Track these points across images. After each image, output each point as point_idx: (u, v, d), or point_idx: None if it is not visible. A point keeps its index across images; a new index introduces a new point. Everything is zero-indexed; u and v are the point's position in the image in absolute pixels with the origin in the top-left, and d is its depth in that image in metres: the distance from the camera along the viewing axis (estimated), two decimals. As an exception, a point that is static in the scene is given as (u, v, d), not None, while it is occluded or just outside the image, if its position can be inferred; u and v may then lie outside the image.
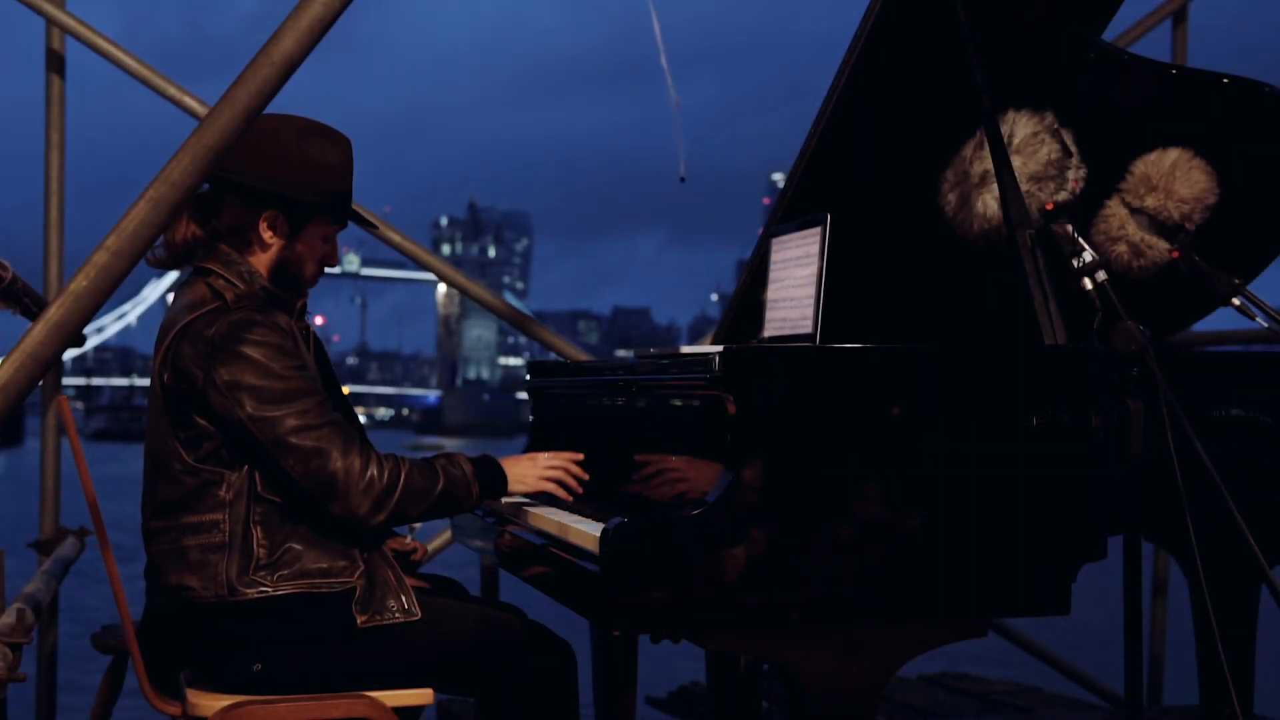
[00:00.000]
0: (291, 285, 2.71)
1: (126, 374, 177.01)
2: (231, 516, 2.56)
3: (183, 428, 2.58)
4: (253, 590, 2.54)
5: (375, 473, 2.54)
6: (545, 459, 2.83)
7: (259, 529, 2.56)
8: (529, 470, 2.81)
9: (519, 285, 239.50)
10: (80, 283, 2.91)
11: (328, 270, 2.81)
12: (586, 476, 2.85)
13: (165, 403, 2.60)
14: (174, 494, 2.60)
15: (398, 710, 2.62)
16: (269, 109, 3.10)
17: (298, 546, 2.57)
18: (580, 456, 2.87)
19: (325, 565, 2.58)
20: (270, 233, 2.68)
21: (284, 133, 2.67)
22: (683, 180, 4.72)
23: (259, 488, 2.57)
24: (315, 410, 2.55)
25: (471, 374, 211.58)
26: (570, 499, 2.82)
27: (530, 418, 3.66)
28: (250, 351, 2.52)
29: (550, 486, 2.81)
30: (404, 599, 2.61)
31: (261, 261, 2.69)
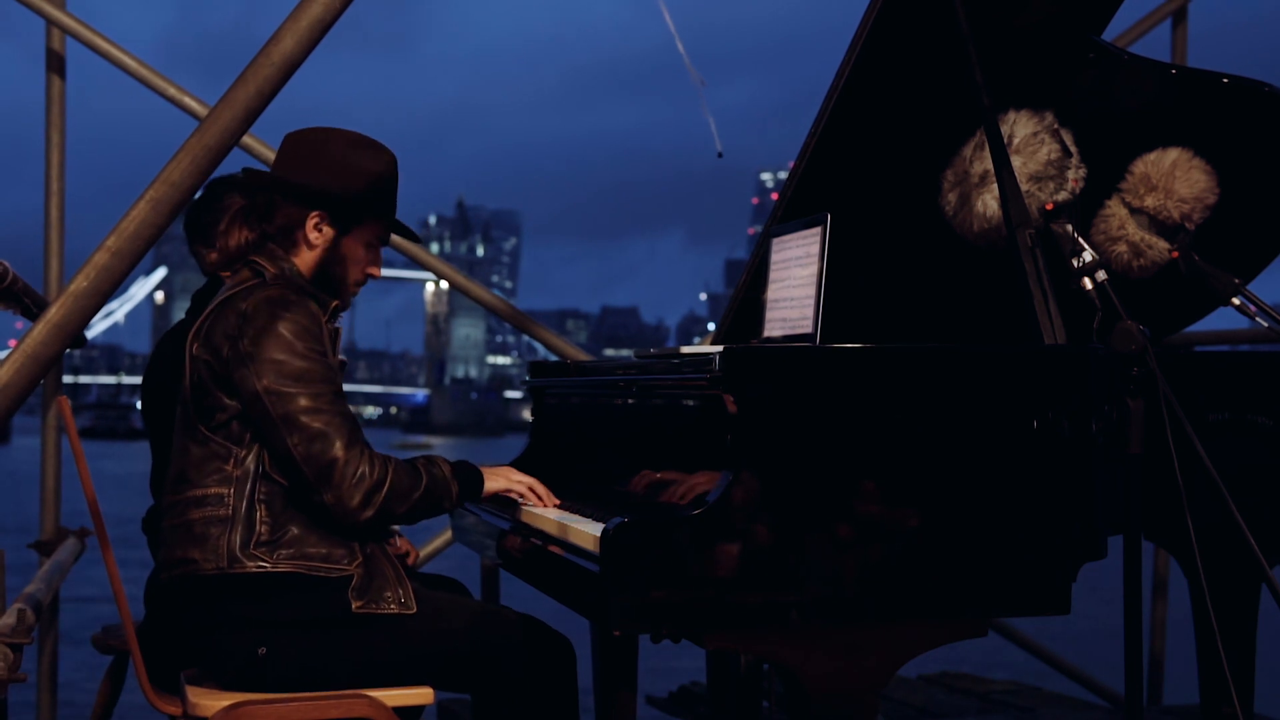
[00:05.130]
0: (332, 287, 2.79)
1: (114, 372, 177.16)
2: (236, 492, 2.61)
3: (200, 397, 2.65)
4: (252, 564, 2.58)
5: (367, 469, 2.59)
6: (518, 474, 2.92)
7: (263, 507, 2.61)
8: (503, 471, 2.90)
9: (507, 284, 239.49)
10: (80, 283, 2.92)
11: None
12: (557, 502, 2.91)
13: (191, 374, 2.66)
14: (183, 464, 2.66)
15: (398, 710, 2.62)
16: (268, 107, 3.10)
17: (297, 530, 2.61)
18: (550, 497, 2.92)
19: (325, 551, 2.61)
20: (316, 233, 2.77)
21: (333, 143, 2.79)
22: (720, 155, 4.72)
23: (267, 467, 2.62)
24: (329, 397, 2.61)
25: (459, 373, 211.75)
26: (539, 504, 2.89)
27: (530, 418, 3.66)
28: (279, 326, 2.60)
29: (521, 488, 2.89)
30: (401, 592, 2.65)
31: (305, 261, 2.78)
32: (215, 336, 2.63)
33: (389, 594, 2.63)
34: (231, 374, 2.60)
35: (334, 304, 2.76)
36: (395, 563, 2.69)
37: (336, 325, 2.79)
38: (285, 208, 2.76)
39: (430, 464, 2.71)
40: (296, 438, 2.56)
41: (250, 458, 2.61)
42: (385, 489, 2.59)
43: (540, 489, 2.91)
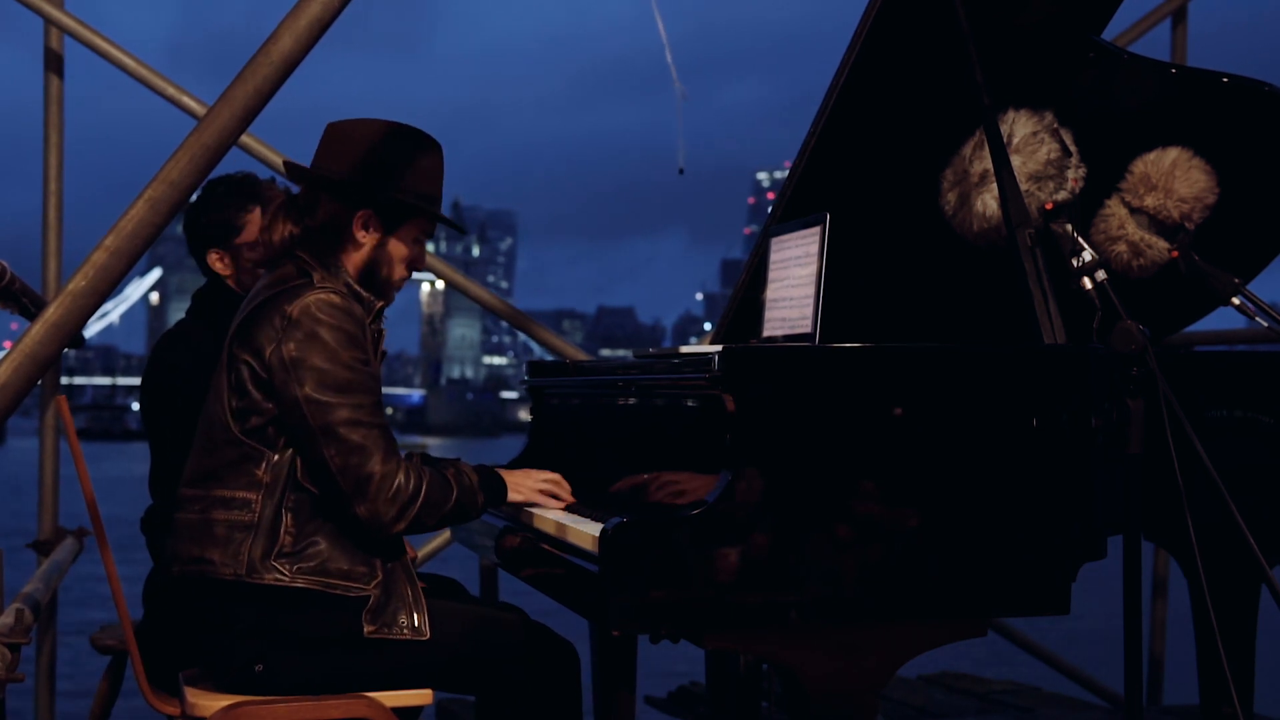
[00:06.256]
0: (377, 287, 2.74)
1: (109, 373, 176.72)
2: (265, 499, 2.57)
3: (237, 396, 2.60)
4: (270, 576, 2.55)
5: (403, 481, 2.56)
6: (540, 474, 2.90)
7: (289, 516, 2.57)
8: (524, 481, 2.86)
9: (503, 284, 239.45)
10: (78, 282, 2.90)
11: None
12: (573, 500, 2.89)
13: (228, 370, 2.62)
14: (213, 463, 2.62)
15: (397, 710, 2.62)
16: (269, 106, 3.09)
17: (322, 543, 2.58)
18: (569, 496, 2.90)
19: (345, 568, 2.58)
20: (363, 232, 2.72)
21: (378, 136, 2.72)
22: (681, 172, 4.74)
23: (298, 474, 2.58)
24: (370, 408, 2.57)
25: (455, 373, 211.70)
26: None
27: (528, 418, 3.66)
28: (323, 333, 2.55)
29: (543, 499, 2.87)
30: (415, 617, 2.62)
31: (353, 260, 2.72)
32: (259, 338, 2.58)
33: (403, 619, 2.60)
34: (272, 377, 2.55)
35: (379, 305, 2.72)
36: (415, 582, 2.66)
37: (381, 327, 2.74)
38: (330, 204, 2.70)
39: (459, 474, 2.68)
40: (334, 449, 2.53)
41: (282, 463, 2.58)
42: (419, 502, 2.57)
43: (563, 487, 2.88)
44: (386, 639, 2.59)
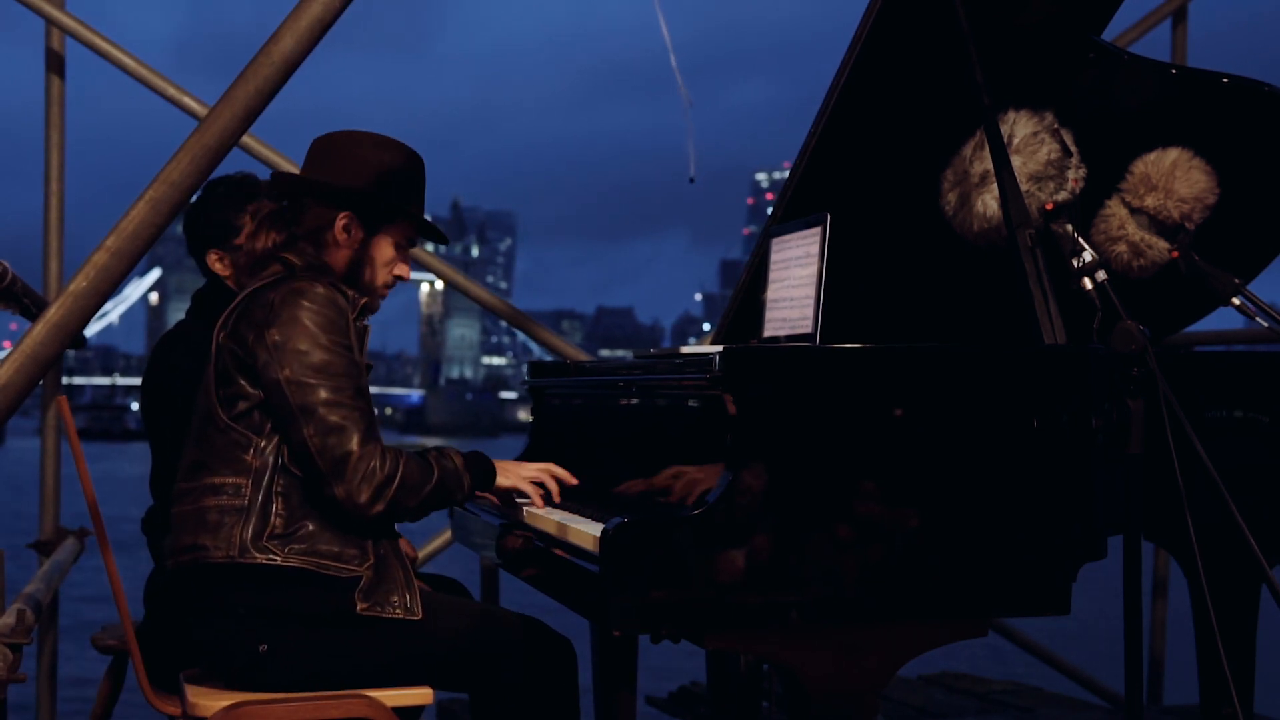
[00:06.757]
0: (360, 288, 2.79)
1: (108, 373, 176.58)
2: (254, 483, 2.60)
3: (223, 385, 2.64)
4: (262, 556, 2.57)
5: (378, 463, 2.59)
6: (533, 464, 2.91)
7: (280, 500, 2.60)
8: (515, 468, 2.88)
9: (502, 285, 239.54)
10: (80, 283, 2.91)
11: None
12: (570, 482, 2.88)
13: (216, 361, 2.66)
14: (203, 453, 2.65)
15: (397, 710, 2.62)
16: (272, 106, 3.10)
17: (313, 526, 2.61)
18: (568, 477, 2.90)
19: (337, 550, 2.61)
20: (345, 234, 2.77)
21: (362, 145, 2.80)
22: (692, 181, 4.74)
23: (285, 459, 2.61)
24: (350, 391, 2.61)
25: (454, 373, 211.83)
26: (543, 505, 2.86)
27: (528, 418, 3.66)
28: (304, 317, 2.60)
29: (532, 488, 2.87)
30: (408, 597, 2.64)
31: (335, 261, 2.78)
32: (244, 326, 2.63)
33: (395, 598, 2.63)
34: (255, 361, 2.60)
35: (362, 301, 2.75)
36: (406, 566, 2.69)
37: (365, 324, 2.78)
38: (315, 209, 2.76)
39: (442, 456, 2.71)
40: (312, 429, 2.57)
41: (270, 449, 2.61)
42: (395, 484, 2.59)
43: (559, 473, 2.88)
44: (380, 618, 2.61)
